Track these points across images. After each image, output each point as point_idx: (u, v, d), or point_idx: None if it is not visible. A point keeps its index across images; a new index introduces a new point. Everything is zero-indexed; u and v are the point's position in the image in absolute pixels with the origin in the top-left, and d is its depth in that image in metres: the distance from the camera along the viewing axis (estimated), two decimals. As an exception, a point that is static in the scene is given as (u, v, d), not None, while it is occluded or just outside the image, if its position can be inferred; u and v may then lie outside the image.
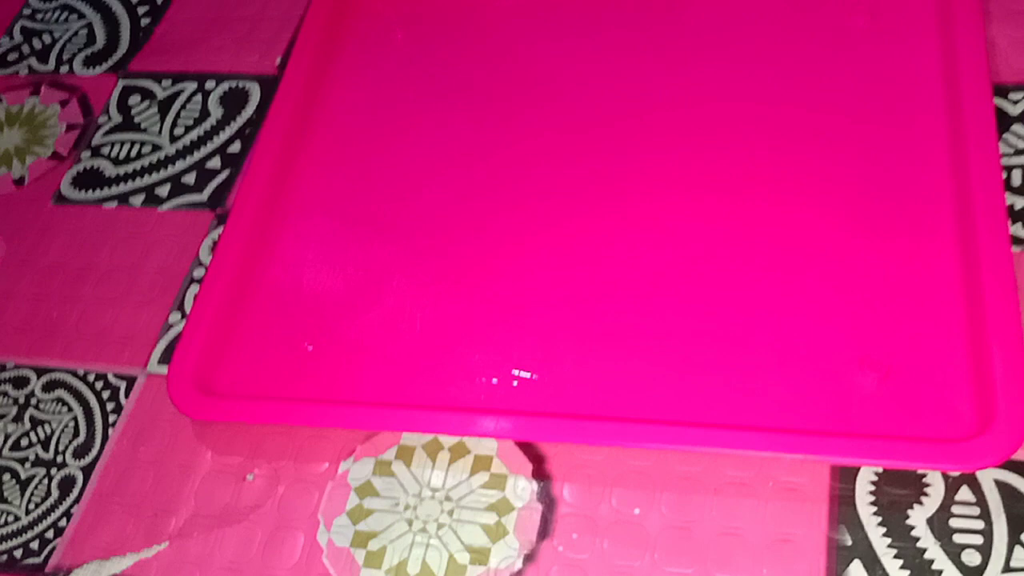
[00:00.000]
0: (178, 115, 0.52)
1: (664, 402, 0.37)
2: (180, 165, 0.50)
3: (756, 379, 0.37)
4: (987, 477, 0.34)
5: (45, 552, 0.39)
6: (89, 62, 0.56)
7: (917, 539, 0.34)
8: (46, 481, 0.41)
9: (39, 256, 0.49)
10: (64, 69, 0.56)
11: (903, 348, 0.37)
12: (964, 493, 0.34)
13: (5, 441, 0.43)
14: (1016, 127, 0.42)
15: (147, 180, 0.50)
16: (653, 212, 0.42)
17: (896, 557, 0.34)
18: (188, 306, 0.45)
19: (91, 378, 0.44)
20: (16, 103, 0.55)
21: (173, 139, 0.51)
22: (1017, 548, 0.33)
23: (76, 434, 0.42)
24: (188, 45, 0.55)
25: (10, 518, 0.41)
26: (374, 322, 0.42)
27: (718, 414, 0.36)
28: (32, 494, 0.41)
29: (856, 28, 0.46)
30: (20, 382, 0.45)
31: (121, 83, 0.55)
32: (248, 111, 0.51)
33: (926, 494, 0.35)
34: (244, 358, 0.42)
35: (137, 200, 0.49)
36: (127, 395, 0.43)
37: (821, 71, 0.45)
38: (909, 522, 0.34)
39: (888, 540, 0.34)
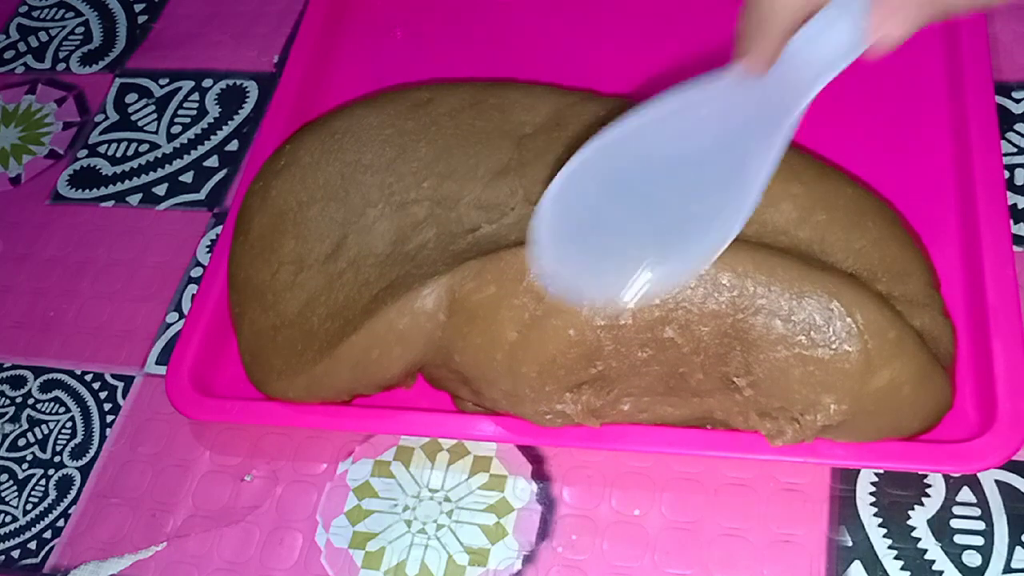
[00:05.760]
0: (175, 113, 0.52)
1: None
2: (178, 164, 0.50)
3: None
4: (988, 478, 0.34)
5: (43, 552, 0.39)
6: (86, 60, 0.56)
7: (918, 540, 0.34)
8: (44, 481, 0.41)
9: (35, 254, 0.48)
10: (61, 67, 0.56)
11: (904, 348, 0.37)
12: (965, 494, 0.34)
13: (2, 441, 0.43)
14: (1019, 126, 0.42)
15: (144, 179, 0.50)
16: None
17: (897, 558, 0.33)
18: (186, 306, 0.44)
19: (88, 378, 0.44)
20: (12, 101, 0.55)
21: (170, 138, 0.51)
22: (1018, 549, 0.33)
23: (74, 434, 0.42)
24: (185, 42, 0.55)
25: (8, 518, 0.40)
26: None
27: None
28: (30, 494, 0.41)
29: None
30: (17, 382, 0.44)
31: (118, 81, 0.54)
32: (246, 109, 0.51)
33: (927, 495, 0.34)
34: (242, 358, 0.42)
35: (134, 199, 0.49)
36: (124, 395, 0.43)
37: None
38: (910, 523, 0.34)
39: (889, 541, 0.34)
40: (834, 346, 0.31)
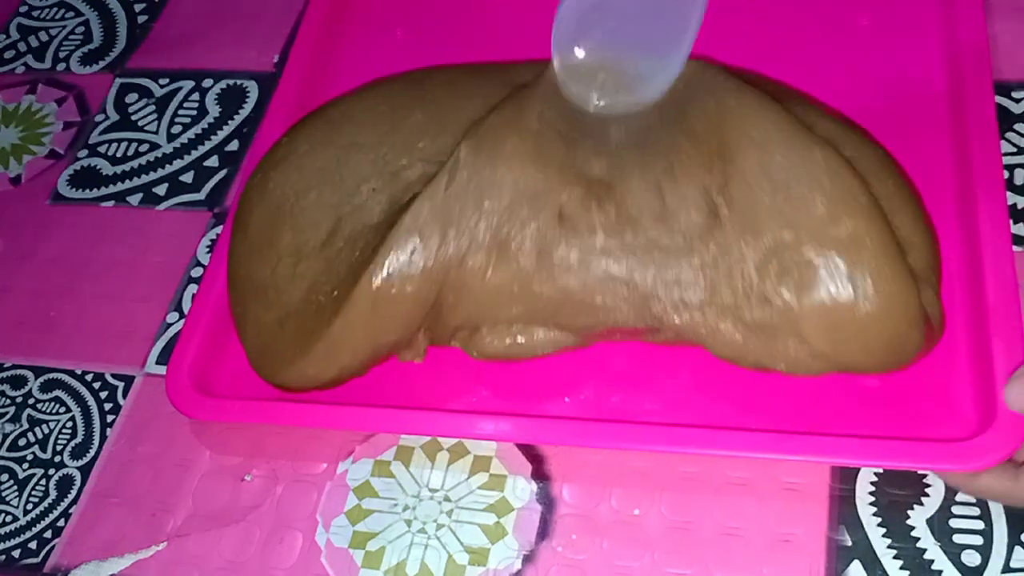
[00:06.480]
0: (176, 113, 0.52)
1: (664, 404, 0.37)
2: (178, 164, 0.50)
3: (757, 380, 0.37)
4: (988, 477, 0.34)
5: (43, 552, 0.39)
6: (86, 60, 0.56)
7: (917, 539, 0.34)
8: (44, 481, 0.41)
9: (36, 254, 0.48)
10: (61, 67, 0.56)
11: (904, 347, 0.37)
12: (964, 493, 0.34)
13: (3, 441, 0.43)
14: (1019, 126, 0.42)
15: (145, 179, 0.50)
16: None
17: (896, 558, 0.33)
18: (186, 306, 0.44)
19: (89, 378, 0.44)
20: (12, 101, 0.55)
21: (171, 138, 0.51)
22: (1017, 548, 0.33)
23: (74, 434, 0.42)
24: (185, 42, 0.55)
25: (8, 518, 0.41)
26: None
27: (719, 415, 0.36)
28: (30, 494, 0.41)
29: (858, 26, 0.46)
30: (18, 382, 0.44)
31: (118, 81, 0.54)
32: (246, 109, 0.51)
33: (926, 494, 0.34)
34: (242, 358, 0.42)
35: (135, 199, 0.49)
36: (125, 395, 0.43)
37: (823, 68, 0.45)
38: (909, 522, 0.34)
39: (888, 540, 0.34)
40: (804, 190, 0.33)
